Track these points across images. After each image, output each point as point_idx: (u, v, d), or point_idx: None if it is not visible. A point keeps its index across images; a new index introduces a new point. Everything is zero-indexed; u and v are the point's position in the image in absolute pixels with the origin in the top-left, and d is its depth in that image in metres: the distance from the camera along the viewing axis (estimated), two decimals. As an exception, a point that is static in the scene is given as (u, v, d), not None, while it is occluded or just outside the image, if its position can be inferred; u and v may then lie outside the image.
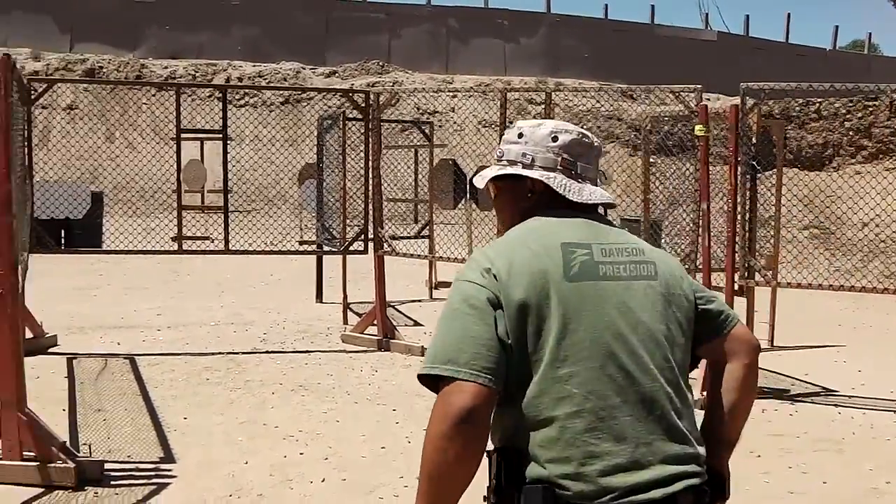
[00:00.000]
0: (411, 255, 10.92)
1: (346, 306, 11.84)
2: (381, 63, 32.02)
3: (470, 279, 2.39)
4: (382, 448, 6.70)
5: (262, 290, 14.29)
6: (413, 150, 13.48)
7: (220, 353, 9.75)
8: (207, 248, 10.64)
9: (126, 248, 10.55)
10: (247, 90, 29.20)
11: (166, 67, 30.10)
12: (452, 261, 10.63)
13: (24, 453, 5.83)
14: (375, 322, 10.36)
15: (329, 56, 32.30)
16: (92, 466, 5.90)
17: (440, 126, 23.90)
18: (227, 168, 10.15)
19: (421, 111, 26.82)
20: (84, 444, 6.43)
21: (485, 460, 2.29)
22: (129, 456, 6.35)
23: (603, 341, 2.34)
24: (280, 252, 10.98)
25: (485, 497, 2.39)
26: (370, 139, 10.50)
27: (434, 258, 11.61)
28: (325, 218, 11.22)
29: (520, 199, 2.60)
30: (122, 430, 6.97)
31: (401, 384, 8.56)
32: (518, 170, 2.57)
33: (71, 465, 5.79)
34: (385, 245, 10.51)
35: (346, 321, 11.66)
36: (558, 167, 2.55)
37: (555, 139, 2.57)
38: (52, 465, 5.78)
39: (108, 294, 13.60)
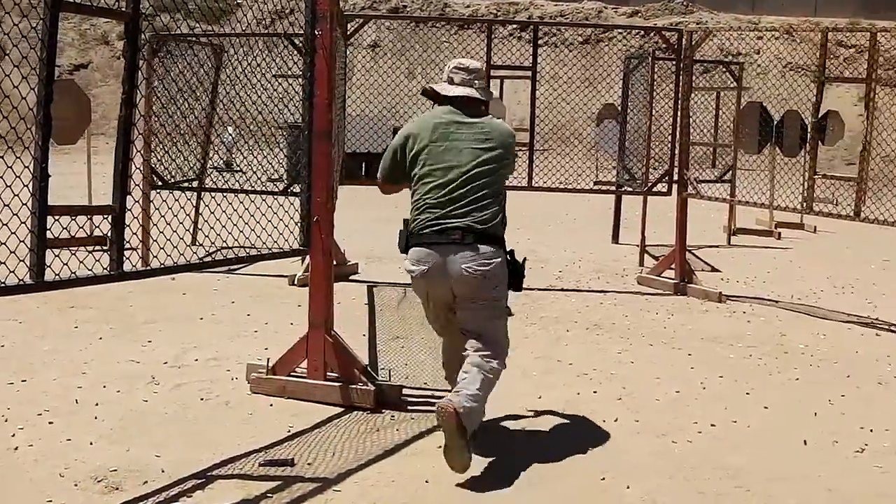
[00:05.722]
0: (716, 199, 10.62)
1: (644, 248, 11.66)
2: (685, 3, 31.12)
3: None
4: (677, 392, 6.54)
5: (557, 228, 14.24)
6: (715, 92, 13.11)
7: (516, 288, 9.70)
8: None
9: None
10: (554, 27, 28.76)
11: (468, 6, 30.45)
12: (754, 206, 10.26)
13: (328, 374, 6.06)
14: (673, 265, 10.13)
15: (632, -5, 31.65)
16: (391, 391, 6.04)
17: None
18: (534, 107, 10.21)
19: (724, 53, 25.86)
20: (383, 368, 6.61)
21: None
22: (425, 383, 6.46)
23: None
24: (581, 191, 10.91)
25: None
26: (681, 79, 10.15)
27: (738, 202, 11.26)
28: (626, 158, 11.08)
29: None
30: (419, 357, 7.11)
31: (698, 329, 8.24)
32: (429, 85, 5.34)
33: (371, 387, 5.96)
34: (690, 187, 10.16)
35: (642, 263, 11.50)
36: (444, 80, 5.23)
37: (450, 67, 5.21)
38: (354, 386, 5.97)
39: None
